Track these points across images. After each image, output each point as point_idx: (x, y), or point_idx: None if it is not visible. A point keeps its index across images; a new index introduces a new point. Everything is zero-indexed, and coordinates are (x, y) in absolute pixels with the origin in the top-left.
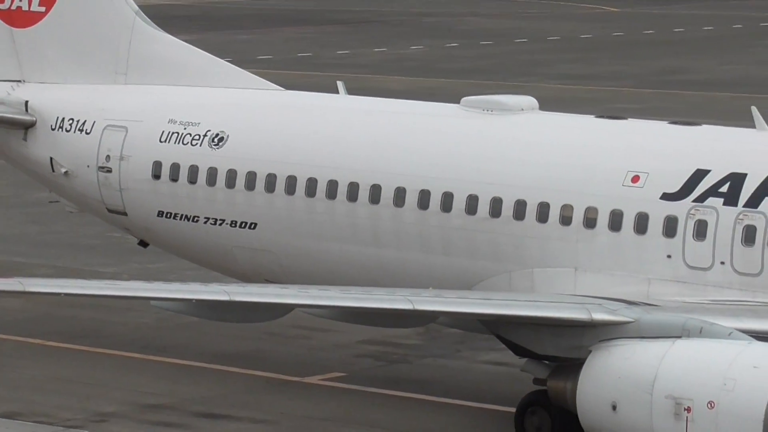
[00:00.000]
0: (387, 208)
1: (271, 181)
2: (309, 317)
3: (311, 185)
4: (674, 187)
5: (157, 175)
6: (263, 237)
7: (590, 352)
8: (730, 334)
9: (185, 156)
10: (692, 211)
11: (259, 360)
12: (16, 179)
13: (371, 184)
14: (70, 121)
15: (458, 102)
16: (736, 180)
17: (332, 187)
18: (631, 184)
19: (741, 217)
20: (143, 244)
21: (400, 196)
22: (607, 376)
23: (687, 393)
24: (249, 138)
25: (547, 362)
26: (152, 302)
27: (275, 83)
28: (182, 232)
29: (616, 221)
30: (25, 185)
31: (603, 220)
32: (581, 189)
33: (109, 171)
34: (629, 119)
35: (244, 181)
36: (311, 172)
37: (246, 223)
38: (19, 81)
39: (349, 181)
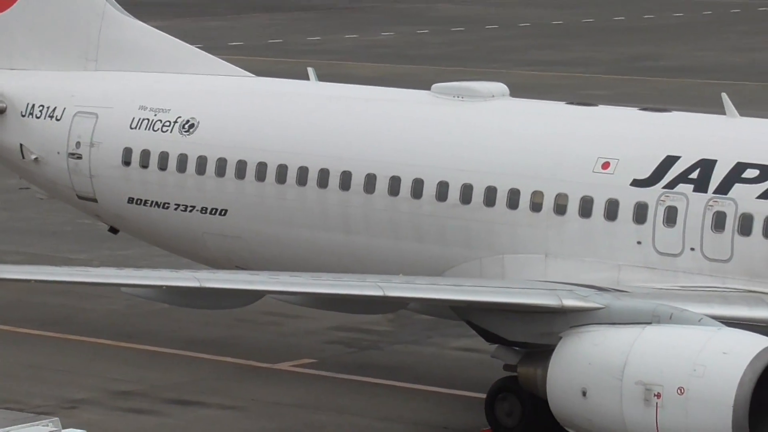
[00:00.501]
0: (357, 194)
1: (241, 168)
2: (279, 303)
3: (281, 172)
4: (644, 174)
5: (127, 162)
6: (234, 223)
7: (560, 338)
8: (700, 320)
9: (156, 142)
10: (662, 198)
11: (230, 346)
12: None
13: (342, 170)
14: (41, 108)
15: (429, 88)
16: (706, 166)
17: (303, 174)
18: (602, 170)
19: (711, 203)
20: (113, 230)
21: (370, 182)
22: (578, 362)
23: (657, 379)
24: (219, 125)
25: (517, 348)
26: (123, 289)
27: (246, 70)
28: (153, 219)
29: (586, 208)
30: None
31: (573, 206)
32: (551, 175)
33: (80, 157)
34: (600, 106)
35: (214, 167)
36: (282, 158)
37: (216, 209)
38: None
39: (320, 167)
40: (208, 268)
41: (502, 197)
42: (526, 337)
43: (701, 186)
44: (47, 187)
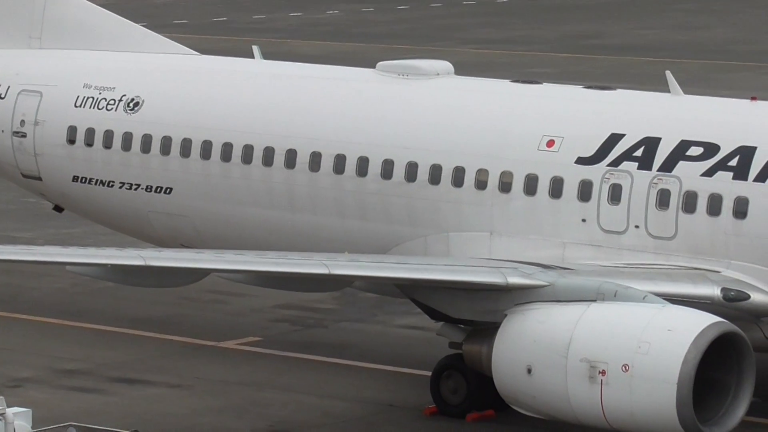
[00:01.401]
0: (302, 172)
1: (186, 146)
2: (225, 282)
3: (227, 150)
4: (589, 152)
5: (72, 140)
6: (178, 202)
7: (505, 316)
8: (644, 298)
9: (100, 121)
10: (607, 175)
11: (175, 325)
12: None
13: (287, 148)
14: None
15: (374, 67)
16: (651, 144)
17: (248, 152)
18: (546, 148)
19: (655, 181)
20: (58, 209)
21: (315, 160)
22: (522, 339)
23: (602, 356)
24: (164, 103)
25: (462, 326)
26: (68, 267)
27: (190, 48)
28: (97, 197)
29: (531, 185)
30: None
31: (518, 184)
32: (496, 153)
33: (24, 136)
34: (544, 84)
35: (159, 145)
36: (226, 136)
37: (161, 187)
38: None
39: (265, 145)
40: (154, 246)
41: (447, 175)
42: (471, 314)
43: (645, 164)
44: None
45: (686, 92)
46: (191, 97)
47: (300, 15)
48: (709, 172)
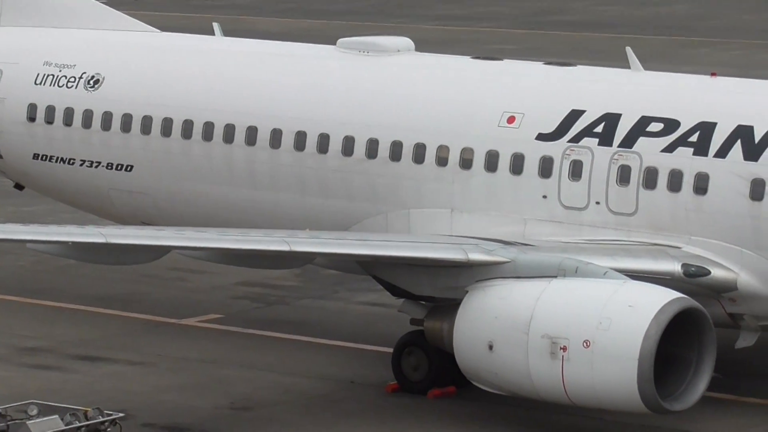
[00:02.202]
0: (263, 150)
1: (146, 124)
2: (186, 259)
3: (187, 127)
4: (549, 128)
5: (32, 118)
6: (139, 179)
7: (467, 292)
8: (605, 274)
9: (61, 98)
10: (567, 152)
11: (136, 302)
12: None
13: (247, 125)
14: None
15: (335, 44)
16: (611, 120)
17: (208, 129)
18: (507, 124)
19: (616, 157)
20: (19, 187)
21: (276, 137)
22: (484, 316)
23: (563, 332)
24: (125, 80)
25: (424, 303)
26: (28, 245)
27: (150, 25)
28: (58, 175)
29: (492, 162)
30: None
31: (479, 160)
32: (457, 130)
33: None
34: (505, 60)
35: (119, 123)
36: (187, 114)
37: (122, 165)
38: None
39: (226, 122)
40: (115, 224)
41: (407, 152)
42: (432, 291)
43: (606, 140)
44: None
45: (646, 68)
46: (151, 74)
47: None
48: (670, 148)
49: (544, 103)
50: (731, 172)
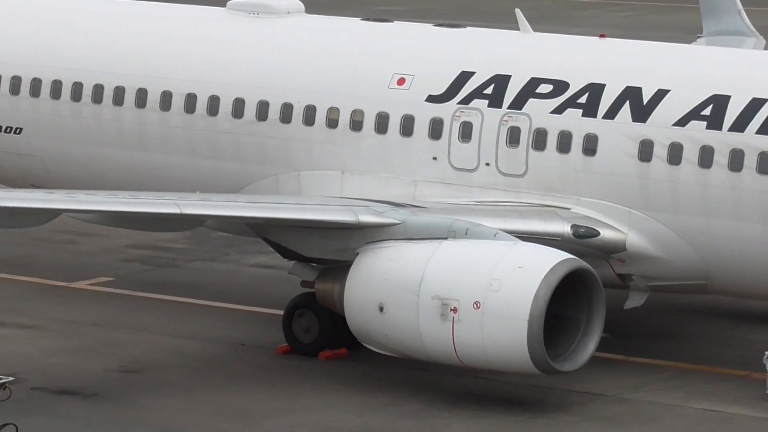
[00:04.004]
0: (153, 112)
1: (36, 86)
2: (76, 222)
3: (77, 90)
4: (439, 90)
5: None
6: (29, 142)
7: (357, 254)
8: (495, 235)
9: None
10: (457, 113)
11: (26, 266)
12: None
13: (137, 87)
14: None
15: (224, 5)
16: (501, 82)
17: (98, 92)
18: (397, 86)
19: (505, 118)
20: None
21: (166, 100)
22: (374, 277)
23: (453, 294)
24: (12, 42)
25: (314, 265)
26: None
27: None
28: None
29: (382, 124)
30: None
31: (369, 122)
32: (347, 92)
33: None
34: (395, 22)
35: (8, 85)
36: (76, 76)
37: (11, 127)
38: None
39: (115, 85)
40: (4, 187)
41: (298, 114)
42: (323, 253)
43: (496, 101)
44: None
45: (536, 30)
46: (40, 36)
47: None
48: (559, 110)
49: (434, 65)
50: (620, 133)
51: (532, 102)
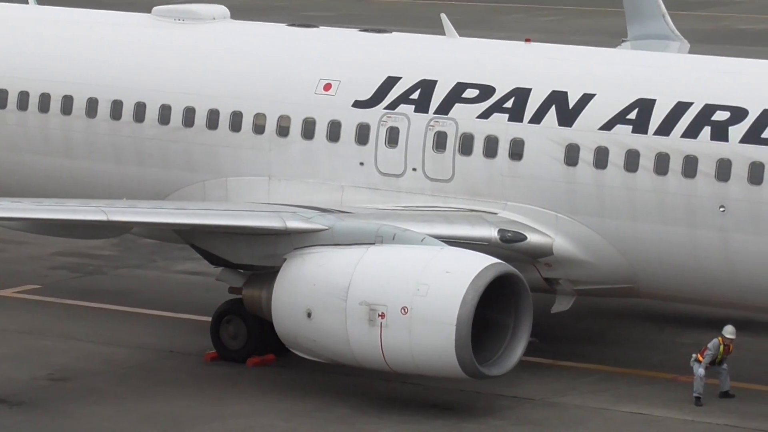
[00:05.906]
0: (80, 119)
1: None
2: (2, 230)
3: (2, 97)
4: (366, 95)
5: None
6: None
7: (285, 260)
8: (422, 240)
9: None
10: (384, 119)
11: None
12: None
13: (63, 95)
14: None
15: (150, 11)
16: (427, 87)
17: (23, 99)
18: (323, 92)
19: (432, 123)
20: None
21: (92, 106)
22: (302, 283)
23: (381, 299)
24: None
25: (242, 271)
26: None
27: None
28: None
29: (308, 129)
30: None
31: (296, 128)
32: (274, 97)
33: None
34: (321, 27)
35: None
36: (1, 83)
37: None
38: None
39: (41, 92)
40: None
41: (224, 120)
42: (250, 259)
43: (422, 106)
44: None
45: (461, 35)
46: None
47: None
48: (485, 114)
49: (360, 70)
50: (546, 138)
51: (458, 107)
